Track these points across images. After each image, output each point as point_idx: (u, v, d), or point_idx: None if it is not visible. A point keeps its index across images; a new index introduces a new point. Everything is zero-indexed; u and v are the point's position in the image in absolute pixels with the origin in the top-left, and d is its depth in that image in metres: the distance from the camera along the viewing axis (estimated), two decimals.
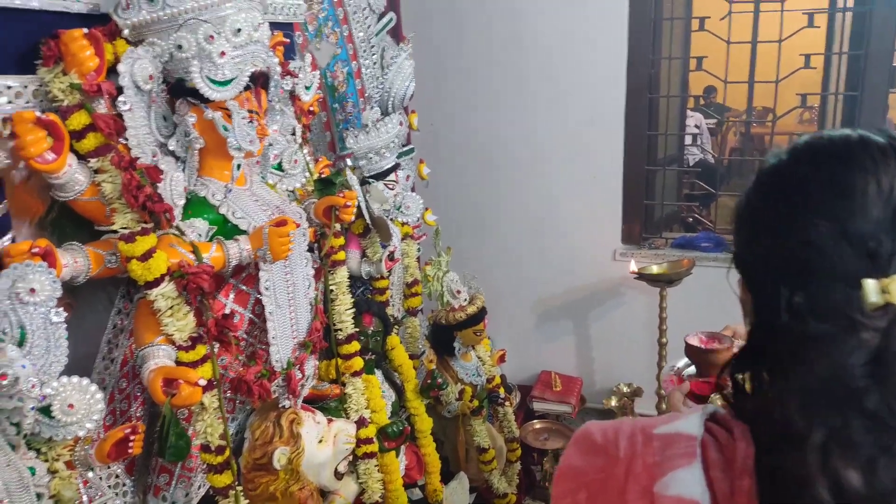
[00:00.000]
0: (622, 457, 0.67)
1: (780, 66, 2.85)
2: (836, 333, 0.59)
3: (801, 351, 0.61)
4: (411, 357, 2.04)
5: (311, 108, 1.62)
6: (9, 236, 1.08)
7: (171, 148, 1.25)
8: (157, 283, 1.14)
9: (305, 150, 1.57)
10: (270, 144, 1.45)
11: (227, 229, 1.29)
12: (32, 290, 0.95)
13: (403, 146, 2.17)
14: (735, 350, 0.88)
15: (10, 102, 1.05)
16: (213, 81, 1.18)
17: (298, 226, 1.35)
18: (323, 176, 1.59)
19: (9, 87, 1.05)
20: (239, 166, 1.33)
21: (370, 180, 1.98)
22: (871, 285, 0.58)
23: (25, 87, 1.08)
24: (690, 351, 1.26)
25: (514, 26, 2.95)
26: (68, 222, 1.19)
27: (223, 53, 1.17)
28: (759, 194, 0.69)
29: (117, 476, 1.28)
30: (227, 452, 1.28)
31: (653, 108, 2.97)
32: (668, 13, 2.93)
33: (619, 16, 2.83)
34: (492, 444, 2.22)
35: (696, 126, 5.01)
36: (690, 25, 3.06)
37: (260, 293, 1.35)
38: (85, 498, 1.19)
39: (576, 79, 2.91)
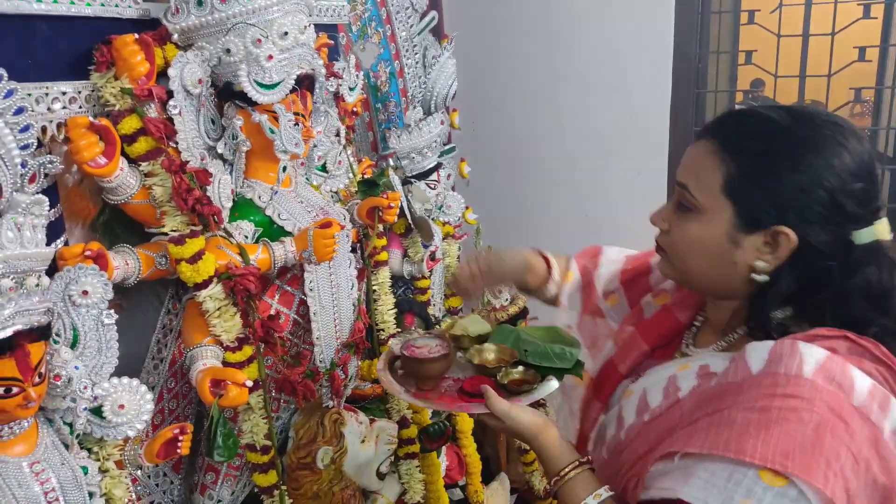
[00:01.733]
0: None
1: (833, 59, 2.76)
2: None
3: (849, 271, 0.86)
4: None
5: (355, 109, 1.62)
6: (62, 238, 1.10)
7: (219, 151, 1.26)
8: (205, 284, 1.15)
9: (349, 151, 1.58)
10: (315, 146, 1.45)
11: (272, 231, 1.30)
12: (85, 293, 0.97)
13: (444, 145, 2.16)
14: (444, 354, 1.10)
15: (64, 108, 1.07)
16: (260, 85, 1.19)
17: (343, 227, 1.35)
18: (366, 177, 1.59)
19: (63, 93, 1.07)
20: (285, 168, 1.33)
21: (412, 180, 1.98)
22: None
23: (79, 92, 1.10)
24: (404, 361, 1.12)
25: (555, 23, 2.91)
26: (119, 225, 1.21)
27: (270, 57, 1.17)
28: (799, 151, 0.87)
29: (165, 474, 1.30)
30: (273, 452, 1.29)
31: (699, 104, 2.90)
32: (717, 6, 2.86)
33: (665, 9, 2.76)
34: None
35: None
36: (739, 18, 2.98)
37: (304, 294, 1.35)
38: (134, 496, 1.22)
39: (620, 74, 2.86)
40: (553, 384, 1.10)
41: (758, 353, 0.86)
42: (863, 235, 0.87)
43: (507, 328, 1.20)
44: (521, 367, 1.12)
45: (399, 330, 1.69)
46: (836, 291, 0.88)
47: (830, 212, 0.86)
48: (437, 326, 2.04)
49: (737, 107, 0.98)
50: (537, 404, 1.10)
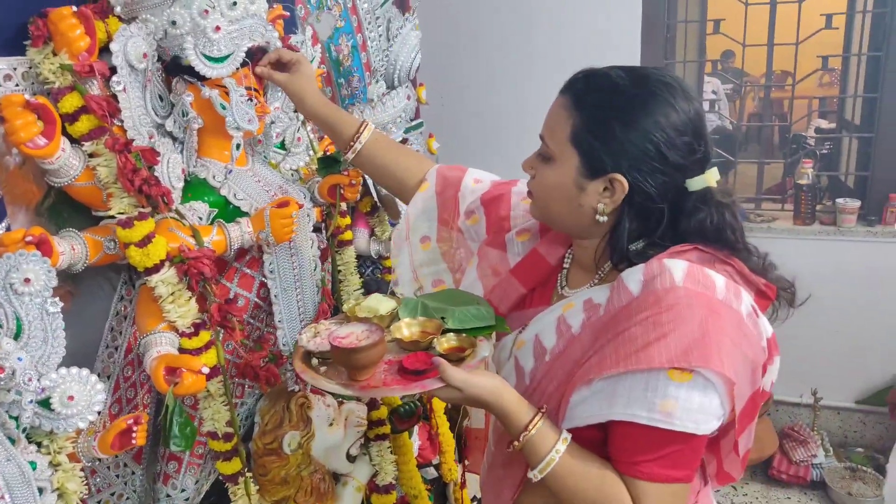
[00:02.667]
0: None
1: (801, 28, 2.76)
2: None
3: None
4: None
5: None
6: (3, 224, 1.05)
7: (168, 129, 1.21)
8: (156, 269, 1.11)
9: (309, 128, 1.53)
10: (272, 122, 1.40)
11: (228, 211, 1.26)
12: (27, 280, 0.92)
13: (412, 120, 2.11)
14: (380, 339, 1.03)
15: None
16: (209, 58, 1.14)
17: (302, 206, 1.31)
18: (327, 154, 1.54)
19: None
20: (239, 146, 1.29)
21: None
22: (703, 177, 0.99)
23: (15, 69, 1.04)
24: (337, 353, 1.02)
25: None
26: (66, 208, 1.16)
27: (218, 28, 1.12)
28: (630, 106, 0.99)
29: (126, 465, 1.26)
30: (236, 439, 1.26)
31: None
32: None
33: None
34: None
35: (714, 92, 4.89)
36: None
37: (264, 276, 1.31)
38: (93, 488, 1.18)
39: (588, 45, 2.83)
40: (489, 344, 1.07)
41: (634, 276, 0.98)
42: (694, 183, 0.99)
43: (411, 300, 1.15)
44: (450, 334, 1.08)
45: None
46: (675, 231, 1.01)
47: (657, 162, 0.97)
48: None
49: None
50: None
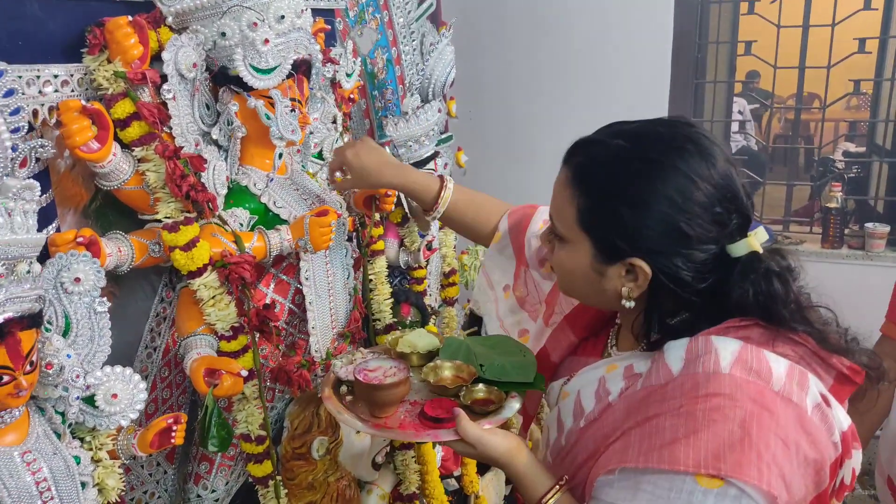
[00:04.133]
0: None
1: (833, 51, 2.75)
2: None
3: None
4: None
5: (352, 96, 1.60)
6: (54, 225, 1.08)
7: (214, 137, 1.24)
8: (199, 272, 1.13)
9: (346, 139, 1.56)
10: (311, 133, 1.43)
11: (267, 219, 1.29)
12: (77, 280, 0.95)
13: (441, 134, 2.14)
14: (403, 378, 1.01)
15: (56, 91, 1.04)
16: (257, 69, 1.17)
17: (339, 216, 1.33)
18: None
19: (55, 76, 1.05)
20: (280, 155, 1.31)
21: None
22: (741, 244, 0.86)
23: (72, 75, 1.07)
24: (359, 387, 1.02)
25: (554, 12, 2.89)
26: (111, 211, 1.19)
27: (267, 41, 1.15)
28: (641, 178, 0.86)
29: (159, 464, 1.29)
30: (268, 442, 1.28)
31: (698, 94, 2.89)
32: None
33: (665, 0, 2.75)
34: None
35: (740, 112, 4.88)
36: (739, 8, 2.97)
37: (300, 283, 1.34)
38: (127, 486, 1.21)
39: (619, 64, 2.85)
40: (517, 403, 1.03)
41: (675, 352, 0.87)
42: (737, 248, 0.87)
43: (455, 340, 1.14)
44: (481, 385, 1.05)
45: (395, 320, 1.67)
46: (719, 304, 0.88)
47: (679, 242, 0.86)
48: (433, 317, 2.03)
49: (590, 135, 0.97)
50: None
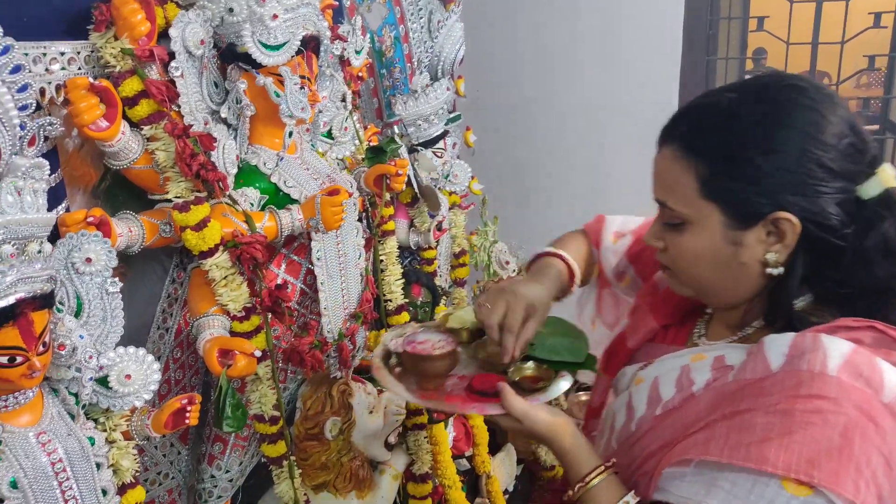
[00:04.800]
0: None
1: (847, 26, 2.70)
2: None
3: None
4: None
5: (360, 74, 1.58)
6: (63, 205, 1.07)
7: (223, 115, 1.23)
8: (211, 252, 1.12)
9: (355, 117, 1.54)
10: (320, 111, 1.41)
11: (278, 198, 1.27)
12: (88, 260, 0.94)
13: (450, 113, 2.12)
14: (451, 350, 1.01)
15: (63, 69, 1.03)
16: (265, 45, 1.15)
17: (351, 195, 1.32)
18: (373, 144, 1.55)
19: (62, 54, 1.03)
20: (290, 134, 1.30)
21: (418, 148, 1.94)
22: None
23: (78, 52, 1.06)
24: (407, 358, 1.03)
25: None
26: (121, 191, 1.18)
27: (275, 16, 1.13)
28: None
29: (172, 445, 1.29)
30: (281, 422, 1.27)
31: (710, 71, 2.85)
32: None
33: None
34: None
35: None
36: None
37: (311, 263, 1.32)
38: (140, 467, 1.21)
39: (629, 40, 2.81)
40: (567, 382, 1.02)
41: (777, 347, 0.81)
42: (869, 189, 0.81)
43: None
44: (530, 363, 1.04)
45: (406, 300, 1.66)
46: (854, 257, 0.81)
47: (824, 179, 0.80)
48: (443, 298, 2.02)
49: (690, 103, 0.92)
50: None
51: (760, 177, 0.81)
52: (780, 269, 0.84)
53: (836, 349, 0.77)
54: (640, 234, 1.20)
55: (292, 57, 1.19)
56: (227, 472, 1.33)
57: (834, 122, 0.81)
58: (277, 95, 1.18)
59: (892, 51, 2.91)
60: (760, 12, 2.90)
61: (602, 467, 0.90)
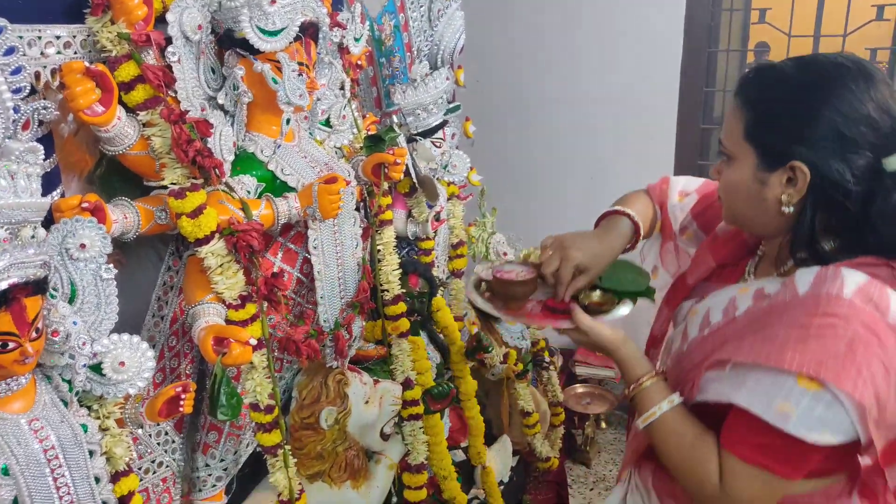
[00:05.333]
0: None
1: (850, 18, 2.69)
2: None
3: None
4: (455, 319, 2.00)
5: (360, 62, 1.56)
6: (58, 190, 1.06)
7: (220, 101, 1.22)
8: (207, 240, 1.12)
9: (354, 106, 1.52)
10: (318, 99, 1.40)
11: (275, 186, 1.26)
12: (83, 246, 0.93)
13: (449, 103, 2.10)
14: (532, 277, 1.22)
15: (59, 53, 1.02)
16: (263, 31, 1.14)
17: (349, 183, 1.31)
18: (372, 133, 1.54)
19: (58, 37, 1.02)
20: (288, 121, 1.29)
21: (417, 138, 1.93)
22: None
23: (74, 36, 1.04)
24: (496, 283, 1.22)
25: None
26: (117, 177, 1.17)
27: (273, 1, 1.12)
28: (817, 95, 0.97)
29: (166, 433, 1.28)
30: (277, 411, 1.27)
31: (711, 63, 2.84)
32: None
33: None
34: (535, 408, 2.20)
35: None
36: None
37: (308, 252, 1.32)
38: (135, 455, 1.20)
39: (630, 32, 2.79)
40: (627, 308, 1.20)
41: (805, 277, 0.97)
42: (891, 162, 0.94)
43: None
44: (598, 292, 1.22)
45: (403, 291, 1.66)
46: (865, 216, 0.96)
47: (838, 144, 0.95)
48: (441, 288, 2.01)
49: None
50: None
51: (786, 130, 0.98)
52: (791, 209, 1.00)
53: (852, 279, 0.92)
54: (703, 193, 1.37)
55: (290, 43, 1.18)
56: (222, 460, 1.33)
57: (866, 100, 0.94)
58: (275, 82, 1.17)
59: (894, 44, 2.90)
60: (762, 4, 2.88)
61: (653, 372, 1.11)
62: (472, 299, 1.28)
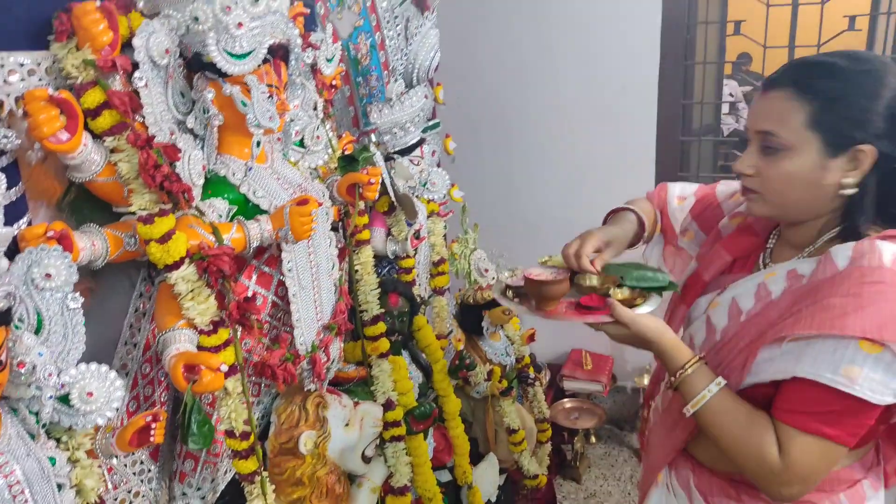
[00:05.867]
0: None
1: (823, 29, 2.72)
2: None
3: None
4: (438, 337, 1.99)
5: (334, 82, 1.56)
6: (25, 219, 1.04)
7: (189, 125, 1.21)
8: (176, 265, 1.10)
9: (328, 126, 1.52)
10: (292, 120, 1.40)
11: (247, 209, 1.25)
12: (48, 276, 0.92)
13: (428, 120, 2.10)
14: (566, 277, 1.25)
15: (22, 80, 1.00)
16: (231, 54, 1.13)
17: (321, 204, 1.30)
18: (346, 153, 1.53)
19: (21, 65, 1.00)
20: (259, 143, 1.28)
21: (395, 156, 1.92)
22: None
23: (39, 63, 1.03)
24: (529, 284, 1.25)
25: None
26: (86, 204, 1.15)
27: (240, 25, 1.11)
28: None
29: (142, 462, 1.26)
30: (252, 438, 1.25)
31: (688, 75, 2.86)
32: None
33: None
34: (521, 425, 2.19)
35: (731, 94, 4.85)
36: None
37: (283, 275, 1.31)
38: (110, 485, 1.18)
39: (607, 45, 2.81)
40: (657, 300, 1.24)
41: (843, 252, 1.05)
42: None
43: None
44: (624, 289, 1.25)
45: (382, 310, 1.64)
46: None
47: (894, 126, 1.05)
48: (423, 307, 2.00)
49: (805, 57, 1.18)
50: None
51: (857, 115, 1.06)
52: (854, 190, 1.08)
53: (888, 249, 1.02)
54: (699, 196, 1.47)
55: (259, 66, 1.17)
56: (199, 489, 1.31)
57: None
58: (244, 105, 1.17)
59: None
60: (737, 16, 2.91)
61: (697, 358, 1.13)
62: (503, 303, 1.32)
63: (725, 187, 1.45)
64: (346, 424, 1.46)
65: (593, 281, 1.27)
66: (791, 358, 1.04)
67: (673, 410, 1.26)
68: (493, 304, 2.15)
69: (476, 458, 2.06)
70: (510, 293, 1.34)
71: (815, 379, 1.01)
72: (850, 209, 1.10)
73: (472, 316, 2.20)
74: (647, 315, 1.17)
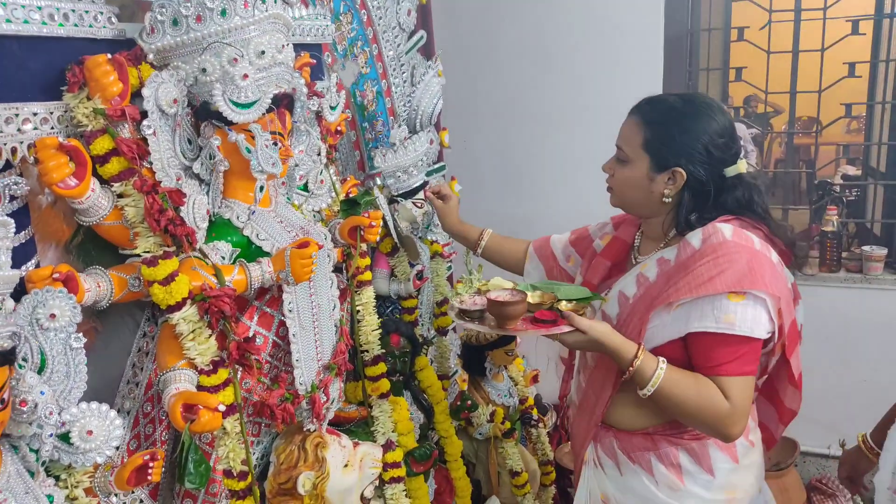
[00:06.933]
0: None
1: (823, 76, 2.76)
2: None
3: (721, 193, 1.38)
4: (441, 378, 2.00)
5: (339, 128, 1.61)
6: (33, 261, 1.08)
7: (195, 171, 1.25)
8: (178, 306, 1.13)
9: (332, 170, 1.56)
10: (296, 165, 1.44)
11: (250, 251, 1.29)
12: (52, 316, 0.95)
13: (434, 164, 2.15)
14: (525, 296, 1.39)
15: (35, 129, 1.05)
16: (236, 104, 1.18)
17: (321, 247, 1.33)
18: (348, 196, 1.57)
19: (35, 114, 1.06)
20: (262, 188, 1.32)
21: (398, 199, 1.96)
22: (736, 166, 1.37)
23: (51, 113, 1.09)
24: (492, 305, 1.35)
25: (545, 45, 2.90)
26: (93, 246, 1.19)
27: (246, 76, 1.16)
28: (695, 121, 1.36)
29: (141, 501, 1.27)
30: (250, 478, 1.26)
31: (692, 83, 2.88)
32: (706, 23, 2.86)
33: (655, 26, 2.76)
34: (525, 468, 2.17)
35: (741, 136, 4.87)
36: (729, 35, 2.99)
37: (284, 315, 1.33)
38: None
39: (610, 98, 2.84)
40: (592, 311, 1.43)
41: (695, 236, 1.34)
42: (730, 170, 1.37)
43: (524, 284, 1.48)
44: (564, 302, 1.40)
45: (383, 351, 1.66)
46: (718, 205, 1.37)
47: (705, 157, 1.34)
48: (426, 347, 2.01)
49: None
50: None
51: (674, 145, 1.35)
52: (670, 199, 1.38)
53: (727, 228, 1.32)
54: (576, 232, 1.78)
55: (264, 114, 1.22)
56: None
57: (721, 127, 1.35)
58: (248, 151, 1.21)
59: (869, 99, 2.97)
60: (740, 23, 2.94)
61: (640, 347, 1.31)
62: (466, 325, 1.42)
63: (595, 226, 1.73)
64: (346, 465, 1.46)
65: (536, 298, 1.41)
66: (681, 320, 1.30)
67: (590, 395, 1.50)
68: (495, 344, 2.15)
69: (479, 500, 2.04)
70: (465, 317, 1.44)
71: (705, 330, 1.27)
72: (677, 212, 1.40)
73: (475, 356, 2.21)
74: (599, 321, 1.35)
